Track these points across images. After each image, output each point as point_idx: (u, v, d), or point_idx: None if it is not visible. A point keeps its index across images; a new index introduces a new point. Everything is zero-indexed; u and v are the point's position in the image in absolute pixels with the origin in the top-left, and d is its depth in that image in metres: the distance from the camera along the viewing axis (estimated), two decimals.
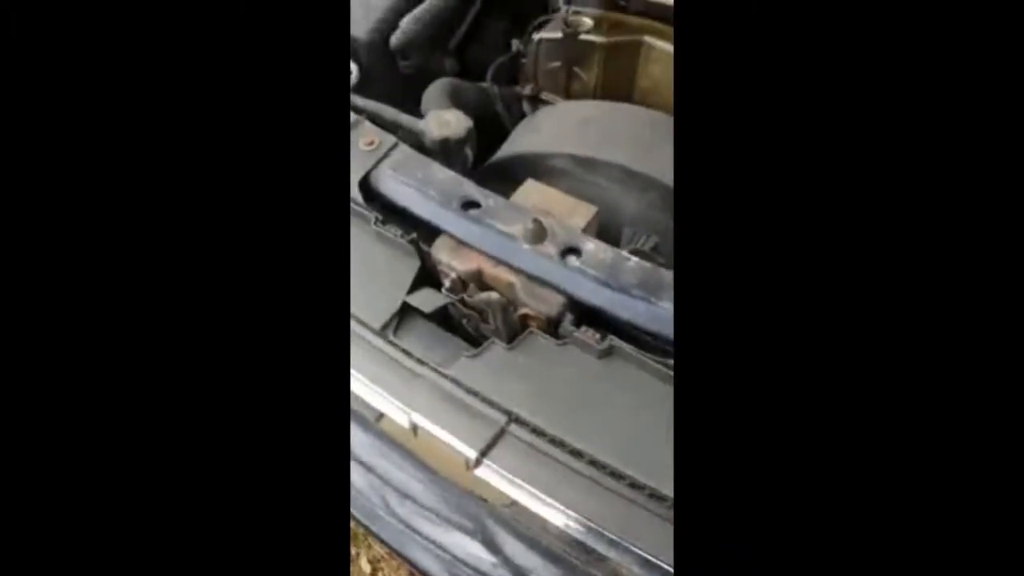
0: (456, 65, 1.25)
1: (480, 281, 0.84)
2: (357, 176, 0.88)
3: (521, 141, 1.02)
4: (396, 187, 0.89)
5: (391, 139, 0.92)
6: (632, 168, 0.88)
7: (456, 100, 1.18)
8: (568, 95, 1.19)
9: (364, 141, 0.91)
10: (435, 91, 1.14)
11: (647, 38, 1.06)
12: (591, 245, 0.80)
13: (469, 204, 0.86)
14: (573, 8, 1.17)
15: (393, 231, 0.85)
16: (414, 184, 0.88)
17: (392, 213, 0.90)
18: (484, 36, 1.32)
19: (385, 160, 0.91)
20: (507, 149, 1.03)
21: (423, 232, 0.88)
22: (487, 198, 0.86)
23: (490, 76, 1.22)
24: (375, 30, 1.09)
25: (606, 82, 1.13)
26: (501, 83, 1.25)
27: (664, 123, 0.95)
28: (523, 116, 1.25)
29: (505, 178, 1.07)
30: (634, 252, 0.85)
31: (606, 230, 0.91)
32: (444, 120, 0.96)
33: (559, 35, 1.10)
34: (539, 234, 0.80)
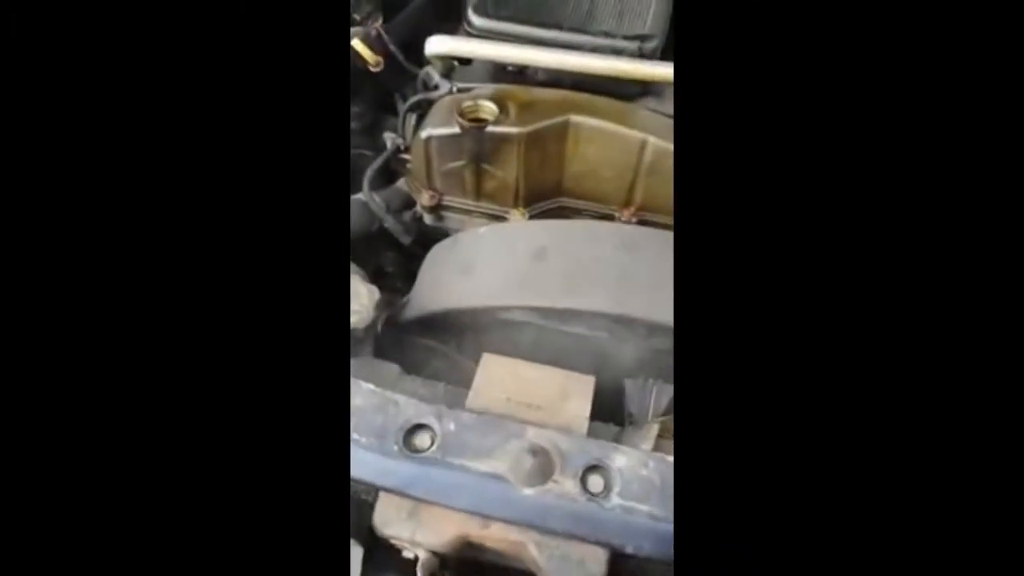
0: None
1: (468, 550, 0.55)
2: None
3: (451, 287, 0.74)
4: None
5: None
6: (625, 314, 0.64)
7: None
8: (480, 196, 0.92)
9: None
10: None
11: (573, 117, 0.84)
12: (622, 458, 0.54)
13: (416, 430, 0.57)
14: (458, 85, 0.92)
15: None
16: None
17: None
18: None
19: None
20: (432, 297, 0.75)
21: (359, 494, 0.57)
22: (442, 418, 0.57)
23: (367, 185, 0.93)
24: None
25: (528, 175, 0.88)
26: (380, 189, 0.96)
27: (642, 238, 0.72)
28: (422, 231, 0.97)
29: (436, 337, 0.79)
30: (664, 431, 0.61)
31: (601, 392, 0.66)
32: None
33: (456, 130, 0.84)
34: (544, 467, 0.53)
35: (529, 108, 0.83)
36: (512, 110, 0.83)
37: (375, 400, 0.58)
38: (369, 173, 0.92)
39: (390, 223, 0.93)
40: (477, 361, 0.75)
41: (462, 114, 0.83)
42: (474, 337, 0.75)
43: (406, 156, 0.97)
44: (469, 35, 0.87)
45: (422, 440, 0.57)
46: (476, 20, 0.85)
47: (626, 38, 0.82)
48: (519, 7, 0.87)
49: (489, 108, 0.83)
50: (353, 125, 1.06)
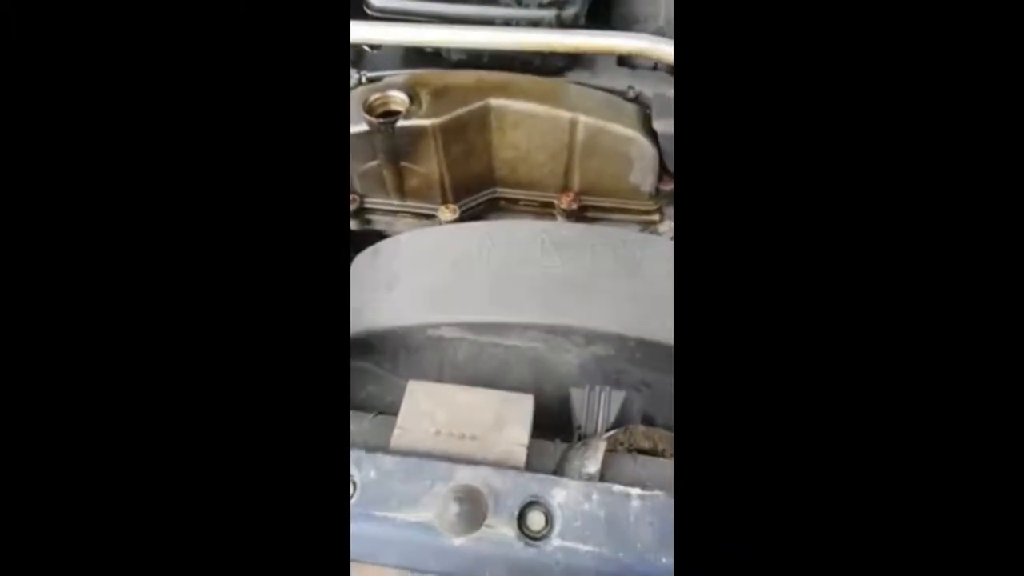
0: None
1: None
2: None
3: (376, 304, 0.67)
4: None
5: None
6: (559, 324, 0.58)
7: None
8: (404, 195, 0.85)
9: None
10: None
11: (492, 101, 0.76)
12: (562, 492, 0.49)
13: None
14: (366, 75, 0.83)
15: None
16: None
17: None
18: None
19: None
20: (359, 316, 0.68)
21: None
22: (361, 466, 0.51)
23: None
24: None
25: (452, 168, 0.80)
26: None
27: (573, 236, 0.66)
28: (360, 237, 0.90)
29: (368, 358, 0.72)
30: (633, 449, 0.56)
31: (545, 405, 0.61)
32: None
33: (363, 127, 0.76)
34: (474, 512, 0.48)
35: (443, 95, 0.76)
36: (424, 99, 0.75)
37: None
38: None
39: None
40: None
41: (370, 109, 0.74)
42: (407, 357, 0.69)
43: None
44: (369, 18, 0.78)
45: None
46: (376, 1, 0.76)
47: (541, 6, 0.73)
48: None
49: (399, 99, 0.74)
50: None
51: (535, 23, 0.74)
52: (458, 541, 0.47)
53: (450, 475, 0.50)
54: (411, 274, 0.67)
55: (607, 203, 0.84)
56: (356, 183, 0.82)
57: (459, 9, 0.74)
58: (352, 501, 0.49)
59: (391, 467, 0.51)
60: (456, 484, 0.49)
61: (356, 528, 0.49)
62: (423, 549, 0.47)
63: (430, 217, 0.85)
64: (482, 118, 0.75)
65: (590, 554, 0.46)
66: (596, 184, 0.82)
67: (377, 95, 0.75)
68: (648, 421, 0.65)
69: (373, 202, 0.84)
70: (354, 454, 0.52)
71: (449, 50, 0.79)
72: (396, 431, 0.56)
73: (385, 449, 0.54)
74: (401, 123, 0.72)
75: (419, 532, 0.48)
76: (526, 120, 0.75)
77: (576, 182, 0.82)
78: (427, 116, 0.73)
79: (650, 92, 0.78)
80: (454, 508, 0.47)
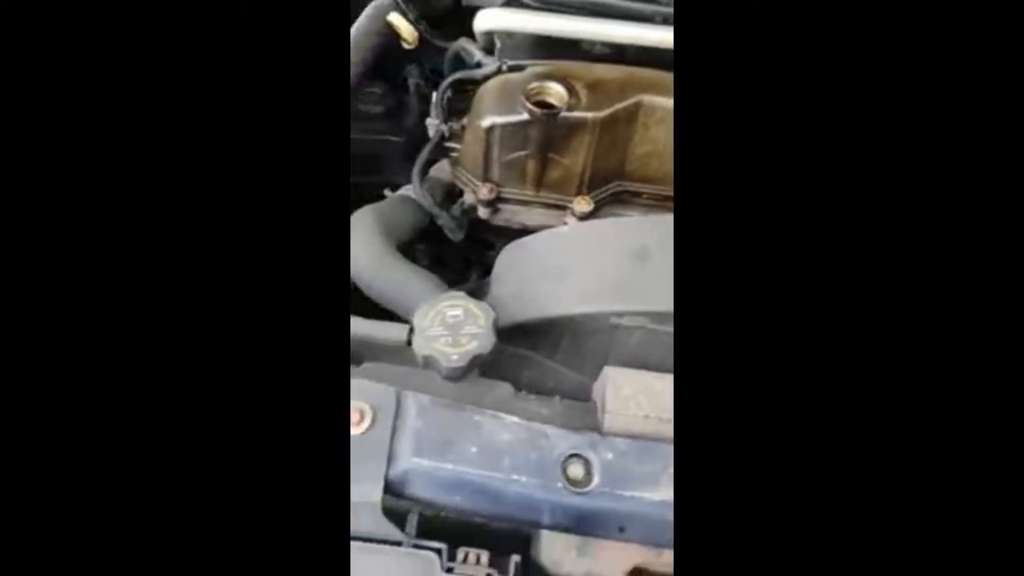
0: None
1: None
2: (366, 484, 0.51)
3: (546, 293, 0.70)
4: (442, 481, 0.53)
5: (388, 399, 0.54)
6: None
7: (394, 234, 0.80)
8: (541, 186, 0.87)
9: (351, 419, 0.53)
10: (368, 240, 0.75)
11: (645, 98, 0.78)
12: None
13: (569, 461, 0.54)
14: (506, 62, 0.84)
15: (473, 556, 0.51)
16: (472, 467, 0.53)
17: (432, 525, 0.54)
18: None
19: (401, 439, 0.54)
20: (523, 304, 0.70)
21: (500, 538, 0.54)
22: (596, 448, 0.55)
23: (417, 180, 0.85)
24: None
25: (596, 161, 0.82)
26: (426, 184, 0.88)
27: None
28: (476, 225, 0.91)
29: (526, 345, 0.75)
30: None
31: None
32: (459, 328, 0.59)
33: (524, 116, 0.77)
34: None
35: (597, 88, 0.78)
36: (581, 92, 0.77)
37: (523, 434, 0.55)
38: (418, 167, 0.84)
39: (444, 220, 0.87)
40: (573, 369, 0.73)
41: (529, 97, 0.76)
42: (571, 344, 0.71)
43: (452, 144, 0.89)
44: (523, 6, 0.79)
45: (575, 471, 0.55)
46: None
47: None
48: None
49: (557, 91, 0.76)
50: (375, 109, 0.96)
51: None
52: None
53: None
54: (586, 265, 0.69)
55: None
56: (496, 172, 0.84)
57: (619, 4, 0.76)
58: (596, 483, 0.53)
59: (625, 448, 0.54)
60: None
61: (606, 507, 0.52)
62: (668, 527, 0.51)
63: (561, 208, 0.87)
64: (633, 114, 0.78)
65: None
66: None
67: (535, 84, 0.76)
68: None
69: (508, 192, 0.86)
70: (587, 437, 0.55)
71: (594, 43, 0.81)
72: (607, 415, 0.59)
73: (600, 431, 0.58)
74: (564, 115, 0.74)
75: (663, 509, 0.52)
76: (670, 117, 0.78)
77: None
78: (587, 109, 0.75)
79: None
80: None
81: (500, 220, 0.90)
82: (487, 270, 1.04)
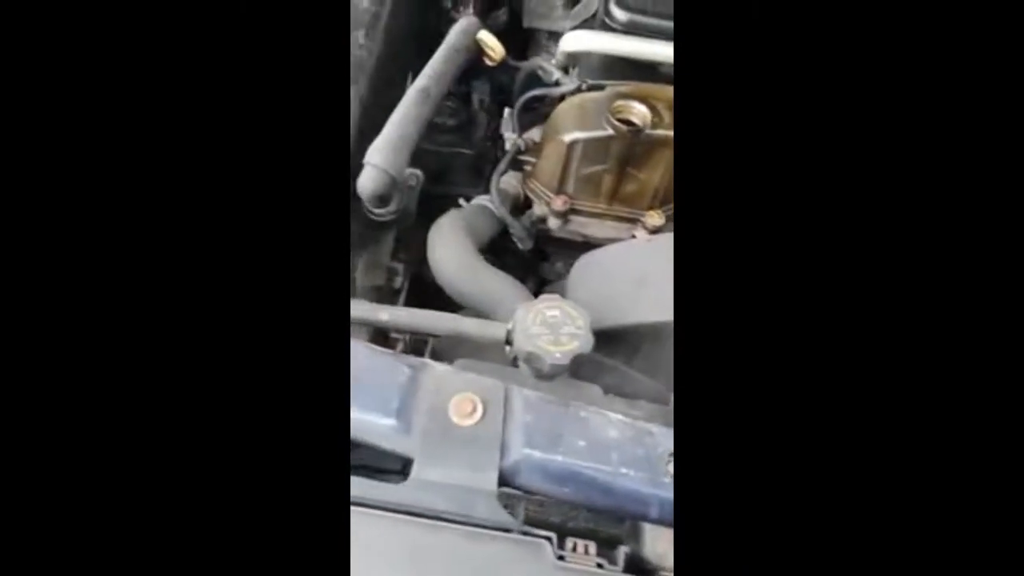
0: (421, 176, 0.89)
1: None
2: (481, 473, 0.52)
3: (627, 301, 0.72)
4: (553, 472, 0.54)
5: (496, 393, 0.56)
6: None
7: (474, 240, 0.82)
8: (614, 200, 0.90)
9: (459, 411, 0.54)
10: (456, 245, 0.78)
11: None
12: None
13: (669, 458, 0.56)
14: (587, 81, 0.88)
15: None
16: (581, 459, 0.54)
17: (539, 517, 0.55)
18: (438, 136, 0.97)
19: (512, 431, 0.55)
20: (603, 311, 0.73)
21: (608, 521, 0.56)
22: None
23: (495, 189, 0.88)
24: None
25: (668, 177, 0.86)
26: (505, 196, 0.91)
27: None
28: (544, 237, 0.94)
29: (604, 351, 0.76)
30: None
31: None
32: (559, 328, 0.61)
33: (608, 132, 0.80)
34: None
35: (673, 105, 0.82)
36: (664, 112, 0.80)
37: (629, 432, 0.56)
38: (496, 176, 0.87)
39: (516, 229, 0.90)
40: (651, 375, 0.75)
41: (615, 115, 0.79)
42: (649, 350, 0.74)
43: (525, 157, 0.92)
44: (609, 29, 0.83)
45: (671, 468, 0.56)
46: (619, 14, 0.81)
47: None
48: (661, 3, 0.83)
49: (639, 111, 0.80)
50: (450, 122, 1.00)
51: None
52: None
53: None
54: (664, 274, 0.71)
55: None
56: (571, 185, 0.87)
57: None
58: None
59: None
60: None
61: None
62: None
63: (631, 221, 0.90)
64: None
65: None
66: None
67: (619, 103, 0.80)
68: None
69: (581, 204, 0.89)
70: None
71: (671, 66, 0.85)
72: None
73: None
74: (648, 132, 0.77)
75: None
76: None
77: None
78: (669, 128, 0.79)
79: None
80: None
81: (568, 231, 0.93)
82: (543, 281, 1.06)
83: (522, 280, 1.05)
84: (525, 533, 0.53)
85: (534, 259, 1.04)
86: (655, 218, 0.87)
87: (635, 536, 0.55)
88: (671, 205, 0.90)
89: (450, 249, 0.76)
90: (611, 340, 0.76)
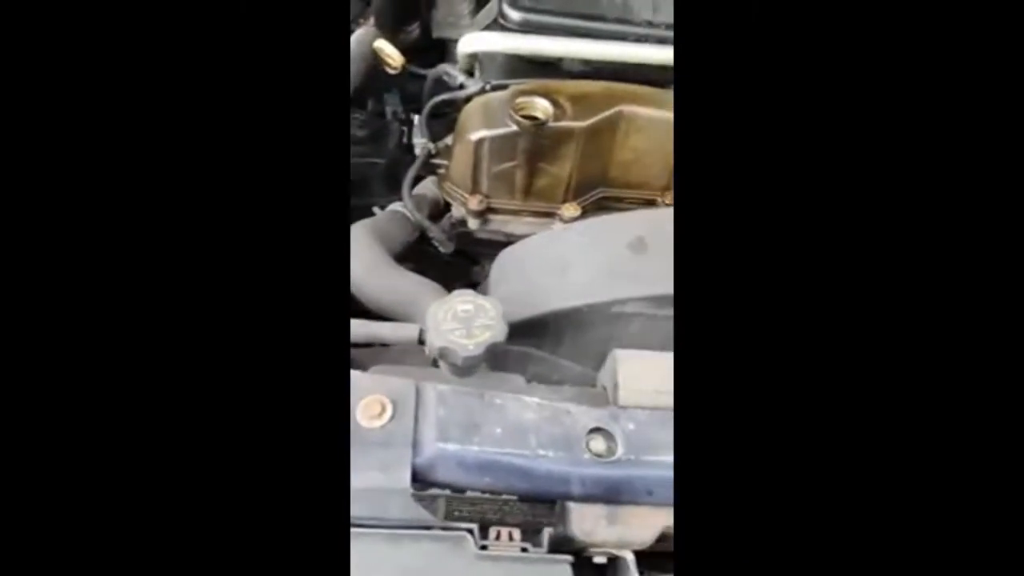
0: None
1: (661, 541, 0.55)
2: (394, 472, 0.51)
3: (549, 289, 0.72)
4: (470, 463, 0.53)
5: (406, 391, 0.55)
6: None
7: (387, 246, 0.82)
8: (529, 196, 0.90)
9: (367, 414, 0.53)
10: (363, 252, 0.77)
11: (625, 108, 0.84)
12: None
13: (595, 434, 0.56)
14: (491, 82, 0.89)
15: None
16: (498, 446, 0.53)
17: (464, 510, 0.54)
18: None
19: (424, 427, 0.54)
20: (527, 301, 0.73)
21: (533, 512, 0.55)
22: (618, 420, 0.56)
23: (408, 194, 0.88)
24: None
25: (581, 170, 0.87)
26: (422, 202, 0.91)
27: None
28: (463, 239, 0.94)
29: (530, 341, 0.76)
30: None
31: None
32: (471, 321, 0.61)
33: (512, 129, 0.81)
34: None
35: (580, 102, 0.83)
36: (566, 105, 0.82)
37: (546, 412, 0.56)
38: (407, 182, 0.87)
39: (434, 232, 0.89)
40: (577, 361, 0.75)
41: (517, 111, 0.81)
42: (574, 337, 0.74)
43: (438, 161, 0.93)
44: (505, 30, 0.85)
45: (598, 444, 0.56)
46: (513, 14, 0.83)
47: (667, 27, 0.84)
48: (554, 0, 0.86)
49: (542, 105, 0.81)
50: (360, 133, 0.99)
51: (662, 41, 0.84)
52: None
53: None
54: (583, 259, 0.72)
55: None
56: (485, 184, 0.87)
57: (594, 26, 0.83)
58: (619, 451, 0.54)
59: (644, 418, 0.56)
60: None
61: (627, 472, 0.54)
62: None
63: (549, 216, 0.91)
64: (614, 123, 0.83)
65: None
66: None
67: (522, 99, 0.81)
68: None
69: (497, 202, 0.89)
70: (609, 411, 0.57)
71: (573, 63, 0.87)
72: (620, 391, 0.61)
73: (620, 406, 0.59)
74: (551, 125, 0.79)
75: None
76: (650, 125, 0.84)
77: None
78: (572, 120, 0.80)
79: None
80: None
81: (489, 231, 0.93)
82: (471, 285, 1.06)
83: (449, 285, 1.05)
84: (445, 528, 0.52)
85: (463, 263, 1.04)
86: (571, 210, 0.88)
87: (562, 516, 0.55)
88: (586, 197, 0.92)
89: (359, 257, 0.75)
90: (536, 330, 0.76)
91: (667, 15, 0.86)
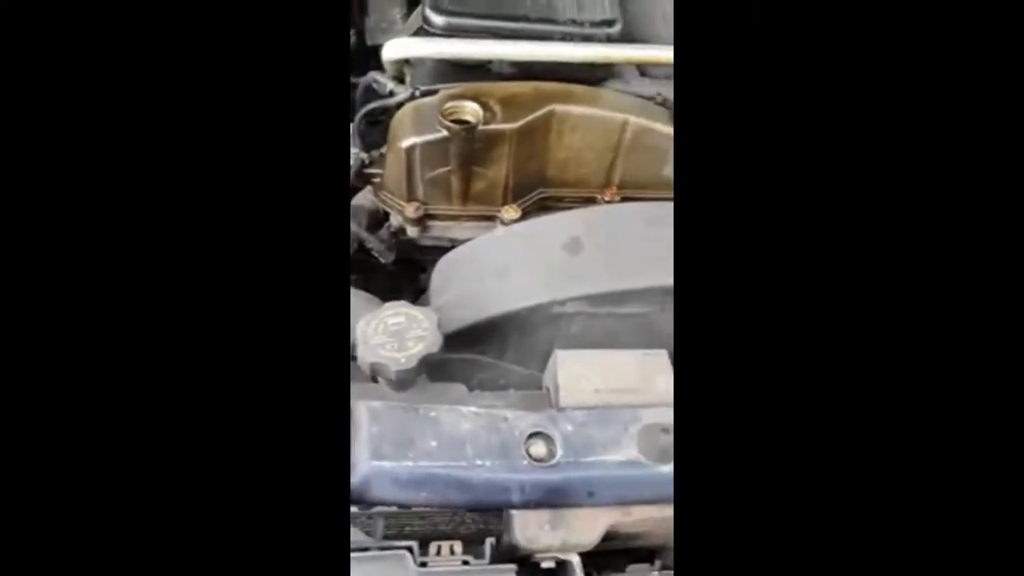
0: None
1: (606, 542, 0.55)
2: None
3: (489, 294, 0.71)
4: (405, 479, 0.52)
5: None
6: None
7: None
8: (467, 200, 0.89)
9: None
10: None
11: (557, 107, 0.83)
12: None
13: (530, 440, 0.55)
14: (419, 88, 0.88)
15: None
16: (434, 460, 0.52)
17: (406, 528, 0.53)
18: None
19: (357, 446, 0.52)
20: (468, 308, 0.72)
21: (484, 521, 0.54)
22: (557, 422, 0.56)
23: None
24: None
25: (517, 171, 0.86)
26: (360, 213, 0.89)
27: (665, 213, 0.70)
28: (406, 247, 0.92)
29: (474, 348, 0.75)
30: None
31: None
32: (404, 334, 0.59)
33: (443, 134, 0.80)
34: (671, 445, 0.54)
35: (510, 103, 0.82)
36: (495, 107, 0.81)
37: (483, 421, 0.55)
38: None
39: (373, 243, 0.87)
40: (522, 364, 0.75)
41: (443, 117, 0.79)
42: (518, 340, 0.73)
43: (372, 170, 0.91)
44: (429, 34, 0.84)
45: (538, 448, 0.55)
46: (436, 19, 0.82)
47: (592, 24, 0.84)
48: (478, 2, 0.85)
49: (472, 108, 0.80)
50: None
51: (588, 39, 0.84)
52: (663, 468, 0.53)
53: (636, 417, 0.56)
54: (522, 262, 0.72)
55: (641, 194, 0.94)
56: (421, 191, 0.86)
57: (519, 27, 0.82)
58: (558, 454, 0.54)
59: (583, 419, 0.56)
60: (650, 423, 0.55)
61: (567, 475, 0.53)
62: (638, 482, 0.53)
63: (490, 219, 0.90)
64: (547, 123, 0.83)
65: None
66: (634, 178, 0.92)
67: (450, 104, 0.80)
68: None
69: (435, 208, 0.88)
70: (546, 414, 0.56)
71: (502, 65, 0.87)
72: (561, 392, 0.61)
73: (557, 408, 0.59)
74: (482, 128, 0.78)
75: (629, 468, 0.53)
76: (584, 123, 0.84)
77: (617, 177, 0.92)
78: (503, 122, 0.80)
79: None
80: (661, 440, 0.53)
81: (430, 238, 0.92)
82: (419, 293, 1.05)
83: (397, 295, 1.04)
84: (384, 548, 0.50)
85: (410, 272, 1.03)
86: (511, 212, 0.87)
87: (506, 525, 0.54)
88: (526, 198, 0.92)
89: None
90: (480, 336, 0.75)
91: (591, 13, 0.86)
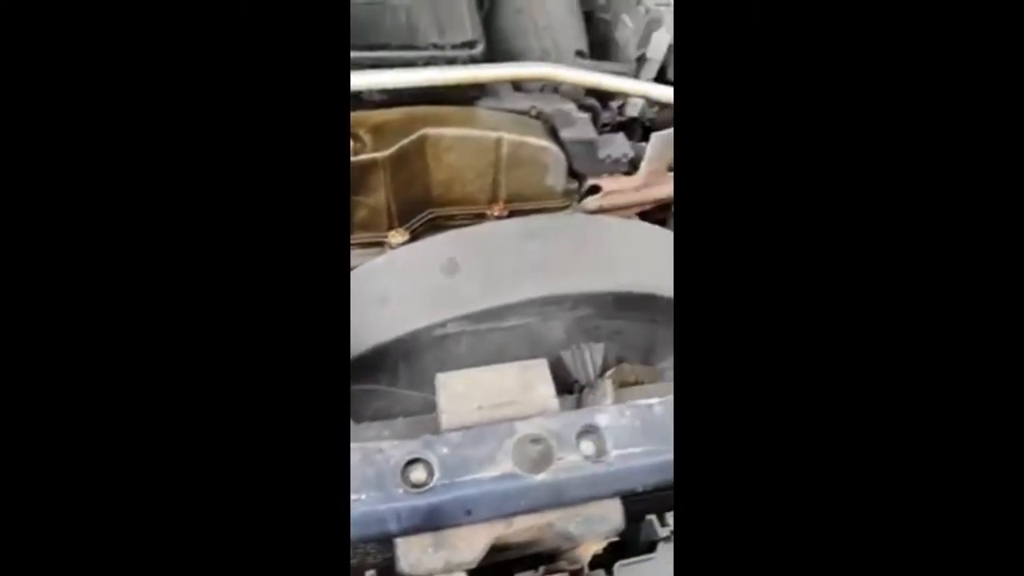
0: None
1: (494, 554, 0.56)
2: None
3: (372, 323, 0.71)
4: None
5: None
6: (554, 294, 0.69)
7: None
8: (354, 228, 0.89)
9: None
10: None
11: (428, 131, 0.84)
12: (604, 418, 0.59)
13: (409, 468, 0.56)
14: None
15: None
16: None
17: None
18: None
19: None
20: (354, 339, 0.72)
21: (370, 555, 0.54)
22: (432, 446, 0.57)
23: None
24: None
25: (398, 196, 0.87)
26: None
27: (540, 226, 0.77)
28: None
29: (367, 379, 0.76)
30: (622, 384, 0.68)
31: None
32: None
33: None
34: (546, 450, 0.56)
35: (381, 131, 0.83)
36: (365, 137, 0.82)
37: (358, 456, 0.55)
38: None
39: None
40: (416, 389, 0.75)
41: None
42: (408, 366, 0.74)
43: None
44: None
45: (417, 474, 0.56)
46: None
47: (454, 47, 0.86)
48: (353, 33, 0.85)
49: None
50: None
51: (451, 61, 0.85)
52: (540, 477, 0.55)
53: (511, 431, 0.58)
54: (403, 286, 0.73)
55: (529, 206, 0.97)
56: None
57: (382, 55, 0.83)
58: (435, 477, 0.55)
59: (459, 440, 0.57)
60: (523, 435, 0.56)
61: (442, 497, 0.54)
62: (514, 494, 0.54)
63: (379, 245, 0.90)
64: (420, 147, 0.84)
65: (642, 453, 0.57)
66: (519, 191, 0.94)
67: None
68: (621, 361, 0.79)
69: None
70: (421, 440, 0.57)
71: (371, 92, 0.87)
72: (443, 415, 0.62)
73: (438, 432, 0.60)
74: (353, 159, 0.78)
75: (505, 481, 0.55)
76: (458, 144, 0.86)
77: (502, 192, 0.94)
78: (374, 151, 0.80)
79: (549, 109, 0.93)
80: (532, 450, 0.55)
81: None
82: None
83: None
84: None
85: None
86: (398, 236, 0.88)
87: (389, 553, 0.55)
88: (413, 220, 0.93)
89: None
90: (370, 365, 0.76)
91: (452, 36, 0.88)
